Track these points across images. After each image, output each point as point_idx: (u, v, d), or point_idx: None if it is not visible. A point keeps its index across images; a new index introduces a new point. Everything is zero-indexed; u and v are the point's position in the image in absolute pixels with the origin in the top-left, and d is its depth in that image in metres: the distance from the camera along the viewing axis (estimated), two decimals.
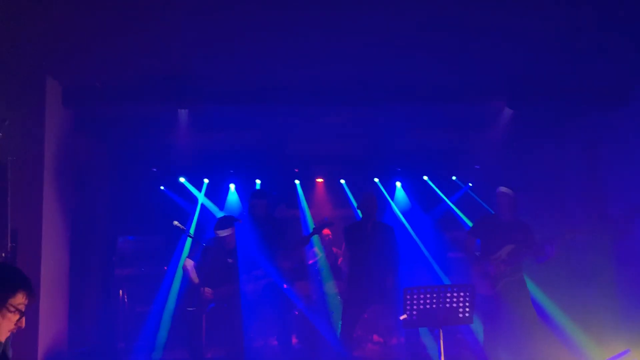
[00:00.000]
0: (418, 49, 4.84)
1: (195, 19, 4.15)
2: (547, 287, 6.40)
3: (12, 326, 2.29)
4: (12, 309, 2.25)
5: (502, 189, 5.77)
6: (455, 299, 4.69)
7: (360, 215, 6.14)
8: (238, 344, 5.67)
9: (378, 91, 5.60)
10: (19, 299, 2.28)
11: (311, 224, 8.33)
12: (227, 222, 5.76)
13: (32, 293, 2.33)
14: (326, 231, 7.66)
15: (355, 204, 8.69)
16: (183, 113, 5.53)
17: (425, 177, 8.83)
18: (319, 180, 8.96)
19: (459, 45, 4.73)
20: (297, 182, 8.79)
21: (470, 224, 8.27)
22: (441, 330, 4.67)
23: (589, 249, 6.49)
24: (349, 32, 4.41)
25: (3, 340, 2.31)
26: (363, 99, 5.65)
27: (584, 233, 5.83)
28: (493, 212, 6.31)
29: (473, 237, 5.89)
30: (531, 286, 6.11)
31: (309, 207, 8.71)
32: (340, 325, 6.13)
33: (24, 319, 2.32)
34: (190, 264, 5.74)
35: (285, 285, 7.10)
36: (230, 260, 5.77)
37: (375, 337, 7.11)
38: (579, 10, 4.14)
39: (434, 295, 4.66)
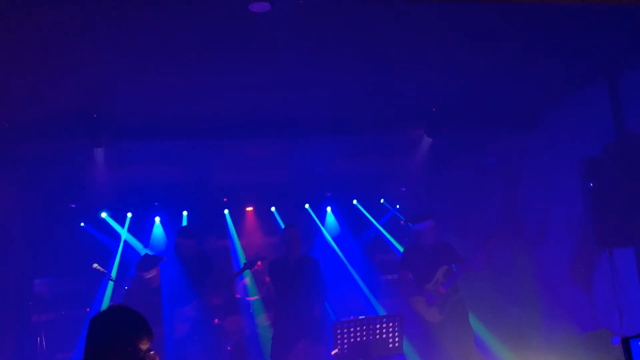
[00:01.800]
0: (339, 82, 4.90)
1: (109, 57, 4.01)
2: (472, 305, 6.59)
3: None
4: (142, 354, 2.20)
5: (424, 224, 5.93)
6: (384, 330, 4.76)
7: (284, 249, 6.08)
8: None
9: (303, 124, 5.63)
10: (144, 345, 2.24)
11: (241, 255, 8.19)
12: (150, 262, 5.56)
13: (152, 338, 2.28)
14: (257, 262, 7.56)
15: None
16: (99, 152, 5.31)
17: (354, 201, 8.93)
18: (249, 208, 8.84)
19: (380, 79, 4.85)
20: (226, 211, 8.63)
21: (397, 245, 8.47)
22: None
23: (511, 260, 6.78)
24: (269, 65, 4.40)
25: None
26: (287, 131, 5.67)
27: (505, 241, 6.14)
28: (410, 244, 6.42)
29: (406, 270, 5.97)
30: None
31: (240, 236, 8.57)
32: None
33: None
34: None
35: (216, 321, 6.94)
36: (157, 299, 5.57)
37: None
38: (491, 43, 4.33)
39: (364, 327, 4.71)
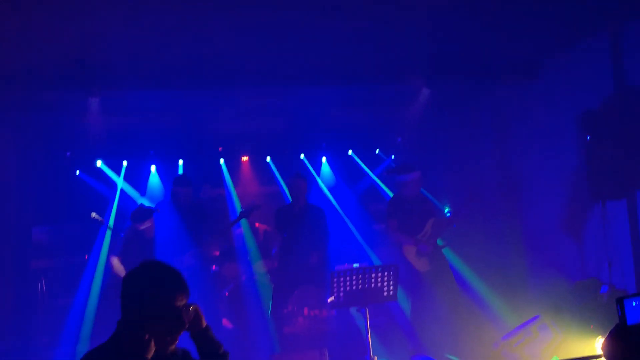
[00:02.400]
0: (337, 31, 4.81)
1: (103, 3, 3.90)
2: (461, 252, 6.74)
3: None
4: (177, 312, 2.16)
5: (410, 175, 6.00)
6: (380, 279, 4.86)
7: (290, 198, 6.15)
8: None
9: (299, 73, 5.55)
10: (181, 301, 2.19)
11: (237, 204, 8.25)
12: (144, 214, 5.61)
13: (188, 294, 2.23)
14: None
15: (281, 181, 8.70)
16: (94, 101, 5.23)
17: (350, 152, 8.93)
18: (244, 158, 8.83)
19: (377, 29, 4.76)
20: (221, 160, 8.62)
21: (391, 195, 8.53)
22: (367, 309, 4.85)
23: (499, 212, 6.89)
24: (266, 11, 4.29)
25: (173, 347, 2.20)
26: (283, 79, 5.58)
27: (494, 194, 6.25)
28: (394, 194, 6.50)
29: (394, 222, 6.07)
30: (449, 254, 6.44)
31: (235, 185, 8.60)
32: (270, 305, 6.20)
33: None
34: (115, 261, 5.55)
35: (214, 267, 7.07)
36: (150, 250, 5.65)
37: (306, 311, 7.24)
38: None
39: (360, 276, 4.81)
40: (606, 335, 2.30)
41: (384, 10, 4.45)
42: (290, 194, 6.13)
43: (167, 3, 4.02)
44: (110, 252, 5.79)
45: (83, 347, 6.39)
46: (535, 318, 5.14)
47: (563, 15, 4.84)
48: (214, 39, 4.75)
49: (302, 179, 6.15)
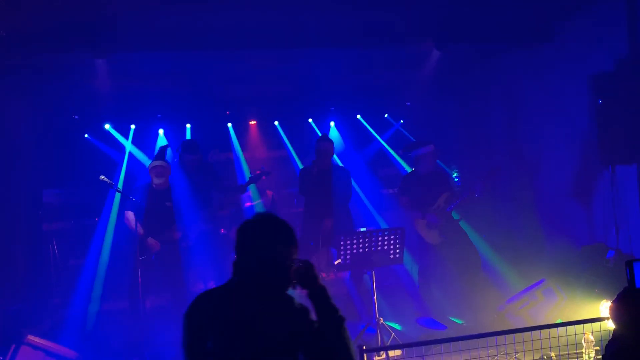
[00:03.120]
0: None
1: None
2: (473, 219, 6.75)
3: None
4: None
5: (425, 149, 5.97)
6: (386, 242, 4.90)
7: (316, 159, 6.14)
8: (180, 288, 5.71)
9: (308, 34, 5.45)
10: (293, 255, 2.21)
11: (246, 168, 8.26)
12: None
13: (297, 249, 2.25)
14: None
15: (289, 145, 8.69)
16: (101, 63, 5.20)
17: (358, 116, 8.87)
18: (252, 122, 8.80)
19: None
20: (229, 125, 8.61)
21: (400, 160, 8.53)
22: (373, 272, 4.90)
23: (512, 181, 6.85)
24: None
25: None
26: (292, 41, 5.50)
27: (507, 166, 6.19)
28: (410, 171, 6.49)
29: (405, 198, 6.09)
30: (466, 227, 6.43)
31: (244, 149, 8.60)
32: None
33: None
34: (131, 215, 5.57)
35: (222, 230, 7.14)
36: (168, 204, 5.68)
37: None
38: None
39: (366, 239, 4.84)
40: (614, 298, 2.31)
41: None
42: (317, 156, 6.13)
43: None
44: (122, 209, 5.83)
45: (94, 307, 6.54)
46: (540, 282, 5.18)
47: None
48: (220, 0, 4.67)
49: (329, 141, 6.19)
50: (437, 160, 6.32)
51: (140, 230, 5.39)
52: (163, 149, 5.83)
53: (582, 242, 5.58)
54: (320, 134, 8.69)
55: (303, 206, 6.52)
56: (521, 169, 6.70)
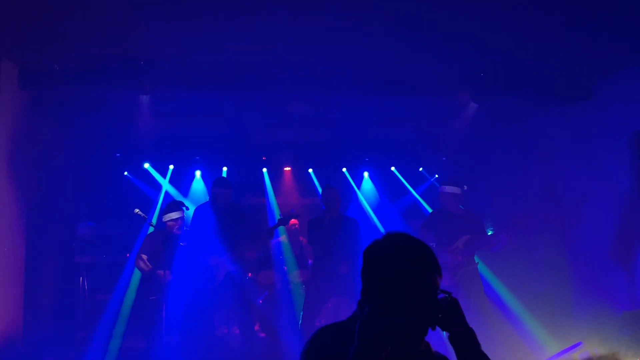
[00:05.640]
0: (386, 42, 4.80)
1: (158, 3, 4.03)
2: (503, 275, 6.52)
3: None
4: None
5: (447, 188, 5.89)
6: None
7: (323, 207, 6.13)
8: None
9: (345, 81, 5.55)
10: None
11: (277, 213, 8.29)
12: (171, 205, 5.75)
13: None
14: (293, 221, 7.63)
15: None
16: (145, 99, 5.39)
17: (392, 168, 8.86)
18: (287, 168, 8.90)
19: (427, 40, 4.73)
20: (264, 170, 8.72)
21: None
22: None
23: (544, 237, 6.64)
24: (313, 16, 4.33)
25: None
26: (329, 88, 5.60)
27: (539, 219, 6.01)
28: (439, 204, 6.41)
29: (427, 230, 6.01)
30: (488, 274, 6.23)
31: (276, 195, 8.67)
32: (301, 316, 6.14)
33: None
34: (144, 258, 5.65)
35: (249, 275, 7.08)
36: (182, 244, 5.70)
37: None
38: (542, 6, 4.16)
39: None
40: None
41: (436, 22, 4.41)
42: (324, 205, 6.09)
43: (219, 7, 4.11)
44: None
45: (116, 344, 6.49)
46: (577, 345, 4.91)
47: (620, 36, 4.69)
48: (261, 45, 4.83)
49: (332, 190, 6.10)
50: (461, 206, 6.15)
51: (147, 267, 5.45)
52: (178, 203, 5.88)
53: (622, 307, 5.29)
54: (353, 184, 8.75)
55: (312, 257, 6.38)
56: (558, 227, 6.49)
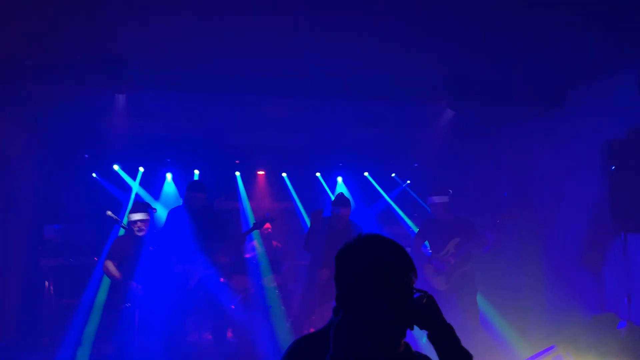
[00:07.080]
0: (363, 47, 4.81)
1: (133, 4, 3.94)
2: (480, 280, 6.60)
3: None
4: None
5: (435, 199, 6.08)
6: None
7: (330, 215, 6.08)
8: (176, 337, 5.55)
9: (321, 84, 5.52)
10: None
11: (251, 217, 8.21)
12: (136, 206, 5.70)
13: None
14: (267, 225, 7.57)
15: (296, 197, 8.67)
16: (120, 98, 5.26)
17: (366, 173, 8.89)
18: (260, 172, 8.83)
19: (403, 46, 4.76)
20: (237, 173, 8.62)
21: (407, 219, 8.48)
22: None
23: (519, 239, 6.76)
24: (291, 20, 4.30)
25: None
26: (304, 91, 5.57)
27: (513, 218, 6.18)
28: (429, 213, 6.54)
29: (420, 240, 6.24)
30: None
31: (250, 199, 8.58)
32: (292, 325, 6.15)
33: None
34: (110, 265, 5.53)
35: (222, 279, 6.97)
36: (151, 248, 5.59)
37: None
38: (516, 14, 4.24)
39: None
40: None
41: (413, 29, 4.44)
42: (333, 218, 6.02)
43: (195, 8, 4.04)
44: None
45: (85, 350, 6.30)
46: (550, 348, 4.99)
47: (592, 46, 4.82)
48: (238, 46, 4.76)
49: (348, 207, 6.02)
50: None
51: (117, 274, 5.40)
52: (144, 204, 5.78)
53: (591, 311, 5.42)
54: (327, 189, 8.73)
55: (308, 260, 6.38)
56: (529, 230, 6.62)
